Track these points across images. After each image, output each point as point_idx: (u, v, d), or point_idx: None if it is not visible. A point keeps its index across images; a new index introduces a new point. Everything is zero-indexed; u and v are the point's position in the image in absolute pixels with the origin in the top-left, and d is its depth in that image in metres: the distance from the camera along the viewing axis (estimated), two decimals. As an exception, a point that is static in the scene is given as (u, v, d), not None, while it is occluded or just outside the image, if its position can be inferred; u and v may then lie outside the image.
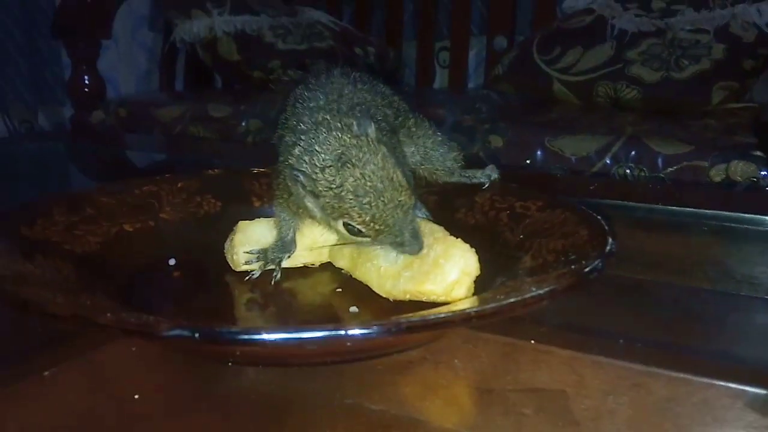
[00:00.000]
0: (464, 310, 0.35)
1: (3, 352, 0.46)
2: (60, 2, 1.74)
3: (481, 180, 0.61)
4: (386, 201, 0.45)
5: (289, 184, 0.49)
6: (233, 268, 0.55)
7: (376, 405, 0.39)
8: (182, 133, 1.47)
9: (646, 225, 0.77)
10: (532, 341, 0.45)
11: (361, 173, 0.45)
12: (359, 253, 0.50)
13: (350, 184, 0.45)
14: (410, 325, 0.34)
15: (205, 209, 0.62)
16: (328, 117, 0.48)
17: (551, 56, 1.42)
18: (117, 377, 0.43)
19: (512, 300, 0.36)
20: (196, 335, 0.33)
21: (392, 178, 0.46)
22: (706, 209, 0.77)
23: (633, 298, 0.56)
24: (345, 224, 0.47)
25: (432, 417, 0.39)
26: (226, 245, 0.55)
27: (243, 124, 1.42)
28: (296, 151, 0.47)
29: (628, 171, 1.14)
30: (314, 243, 0.55)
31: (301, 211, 0.51)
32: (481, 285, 0.46)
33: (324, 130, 0.47)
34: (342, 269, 0.54)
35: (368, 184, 0.45)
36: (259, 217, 0.57)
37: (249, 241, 0.54)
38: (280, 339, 0.33)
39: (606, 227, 0.47)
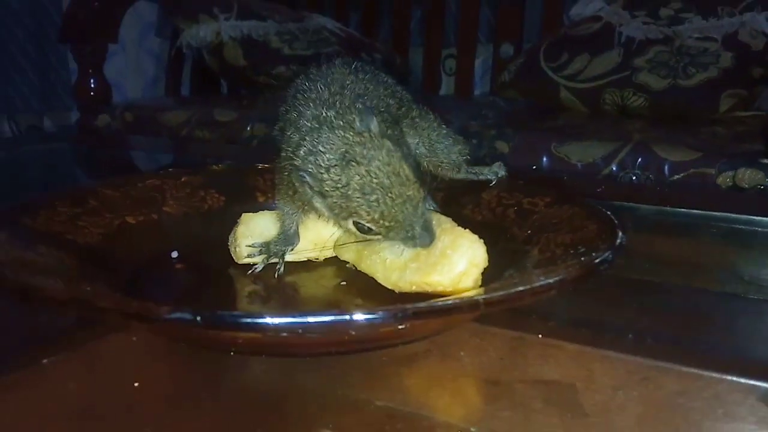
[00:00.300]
0: (472, 297, 0.35)
1: (2, 343, 0.45)
2: (68, 7, 1.75)
3: (489, 177, 0.61)
4: (394, 197, 0.45)
5: (296, 184, 0.48)
6: (236, 260, 0.54)
7: (382, 398, 0.38)
8: (188, 137, 1.47)
9: (652, 227, 0.76)
10: (540, 335, 0.45)
11: (366, 170, 0.45)
12: (365, 245, 0.50)
13: (356, 182, 0.45)
14: (417, 311, 0.33)
15: (208, 204, 0.61)
16: (331, 113, 0.48)
17: (558, 63, 1.42)
18: (117, 368, 0.43)
19: (521, 288, 0.35)
20: (198, 318, 0.32)
21: (399, 173, 0.45)
22: (714, 211, 0.76)
23: (641, 297, 0.55)
24: (355, 223, 0.47)
25: (438, 410, 0.38)
26: (230, 237, 0.55)
27: (248, 128, 1.42)
28: (301, 152, 0.47)
29: (634, 178, 1.13)
30: (319, 237, 0.54)
31: (306, 207, 0.51)
32: (488, 278, 0.46)
33: (327, 128, 0.47)
34: (347, 262, 0.53)
35: (374, 181, 0.45)
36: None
37: (252, 233, 0.54)
38: (283, 323, 0.32)
39: (615, 222, 0.47)
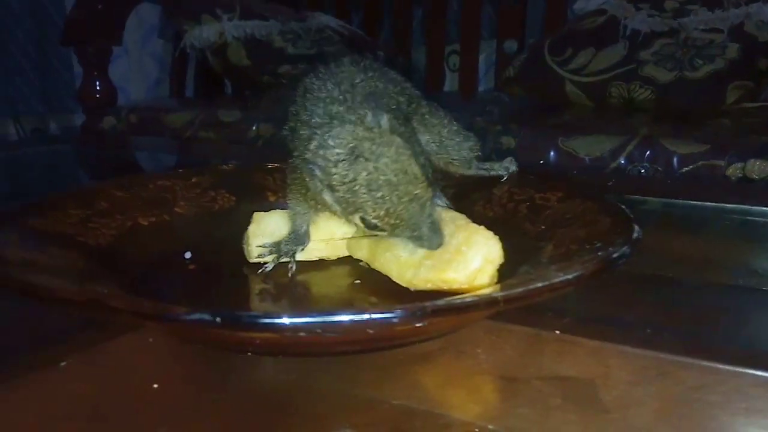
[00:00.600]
0: (491, 294, 0.34)
1: (19, 344, 0.45)
2: (71, 9, 1.75)
3: (499, 172, 0.60)
4: (401, 195, 0.44)
5: (307, 179, 0.48)
6: (247, 258, 0.54)
7: (398, 396, 0.38)
8: (193, 138, 1.47)
9: (662, 220, 0.75)
10: (557, 331, 0.44)
11: (374, 167, 0.44)
12: (378, 243, 0.49)
13: (363, 178, 0.45)
14: (436, 309, 0.33)
15: (219, 204, 0.61)
16: (342, 109, 0.47)
17: (563, 57, 1.41)
18: (130, 369, 0.42)
19: (540, 284, 0.35)
20: (217, 319, 0.32)
21: (407, 171, 0.45)
22: (724, 203, 0.75)
23: (654, 292, 0.55)
24: (361, 218, 0.47)
25: (455, 408, 0.38)
26: (244, 236, 0.55)
27: (253, 128, 1.42)
28: (312, 145, 0.47)
29: (642, 171, 1.12)
30: (330, 237, 0.54)
31: (318, 205, 0.50)
32: (503, 275, 0.45)
33: (337, 123, 0.46)
34: (360, 261, 0.53)
35: (382, 177, 0.44)
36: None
37: (263, 232, 0.54)
38: (302, 323, 0.32)
39: (630, 215, 0.46)
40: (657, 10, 1.40)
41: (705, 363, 0.41)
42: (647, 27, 1.38)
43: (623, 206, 0.48)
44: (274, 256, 0.53)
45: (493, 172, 0.60)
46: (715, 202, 0.76)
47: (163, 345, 0.44)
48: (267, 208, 0.57)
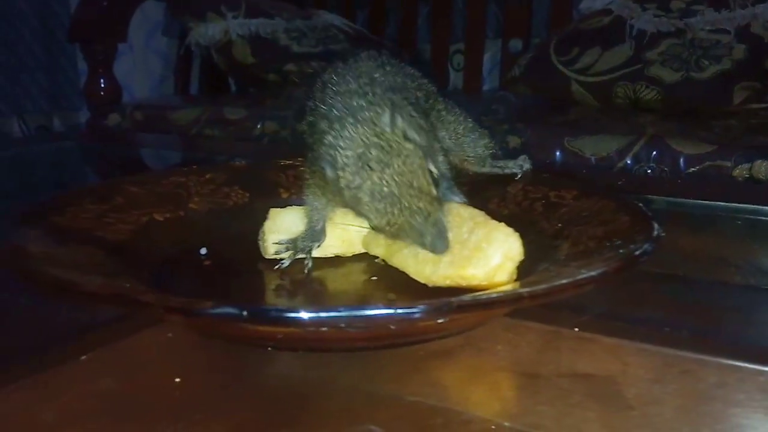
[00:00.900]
0: (516, 290, 0.34)
1: (40, 339, 0.45)
2: (76, 7, 1.75)
3: (513, 170, 0.60)
4: (402, 208, 0.44)
5: (319, 170, 0.48)
6: (263, 255, 0.54)
7: (419, 393, 0.38)
8: (198, 136, 1.47)
9: (671, 219, 0.75)
10: (575, 329, 0.44)
11: (378, 177, 0.44)
12: (395, 240, 0.49)
13: (367, 187, 0.45)
14: (461, 304, 0.33)
15: (233, 200, 0.61)
16: (362, 102, 0.47)
17: (569, 57, 1.41)
18: (152, 363, 0.42)
19: (565, 281, 0.35)
20: (244, 313, 0.32)
21: (412, 184, 0.44)
22: (735, 203, 0.76)
23: (667, 291, 0.55)
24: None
25: (475, 404, 0.38)
26: (260, 232, 0.55)
27: (259, 126, 1.42)
28: (326, 140, 0.47)
29: (649, 171, 1.13)
30: (346, 233, 0.54)
31: (336, 198, 0.50)
32: (522, 272, 0.45)
33: (351, 120, 0.46)
34: (377, 258, 0.53)
35: (385, 189, 0.44)
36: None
37: (279, 228, 0.54)
38: (331, 317, 0.32)
39: (649, 213, 0.46)
40: (663, 10, 1.40)
41: (726, 361, 0.41)
42: (653, 27, 1.38)
43: (641, 204, 0.49)
44: (291, 252, 0.53)
45: (507, 170, 0.60)
46: (725, 202, 0.76)
47: (184, 340, 0.44)
48: (280, 205, 0.57)
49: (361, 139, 0.45)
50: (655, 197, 0.77)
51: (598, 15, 1.45)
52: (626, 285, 0.51)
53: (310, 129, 0.52)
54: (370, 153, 0.45)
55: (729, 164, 1.06)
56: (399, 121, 0.46)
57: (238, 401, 0.38)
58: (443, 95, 0.59)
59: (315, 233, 0.54)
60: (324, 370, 0.40)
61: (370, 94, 0.48)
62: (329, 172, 0.46)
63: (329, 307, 0.32)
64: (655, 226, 0.43)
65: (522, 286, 0.39)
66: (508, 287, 0.39)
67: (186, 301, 0.33)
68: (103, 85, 1.64)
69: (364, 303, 0.47)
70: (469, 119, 0.59)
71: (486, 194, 0.59)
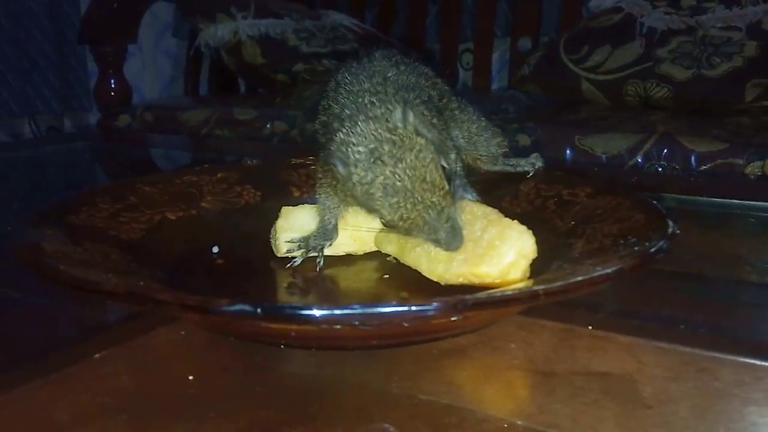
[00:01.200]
0: (531, 287, 0.34)
1: (54, 338, 0.46)
2: (87, 8, 1.76)
3: (526, 168, 0.60)
4: (415, 202, 0.44)
5: (332, 168, 0.48)
6: (275, 253, 0.54)
7: (432, 391, 0.38)
8: (208, 137, 1.47)
9: (684, 217, 0.75)
10: (590, 327, 0.44)
11: (391, 172, 0.44)
12: (407, 237, 0.49)
13: (380, 182, 0.44)
14: (477, 302, 0.32)
15: (245, 199, 0.61)
16: (375, 100, 0.47)
17: (579, 55, 1.40)
18: (166, 361, 0.43)
19: (581, 278, 0.35)
20: (258, 311, 0.32)
21: (425, 178, 0.44)
22: (748, 200, 0.75)
23: (682, 289, 0.55)
24: (379, 216, 0.47)
25: (490, 403, 0.38)
26: (272, 231, 0.55)
27: (268, 126, 1.42)
28: (337, 137, 0.47)
29: (660, 169, 1.12)
30: (358, 232, 0.54)
31: (347, 198, 0.50)
32: (535, 270, 0.45)
33: (363, 117, 0.46)
34: (389, 256, 0.53)
35: (398, 183, 0.44)
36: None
37: (291, 227, 0.54)
38: (344, 314, 0.32)
39: (663, 211, 0.46)
40: (674, 7, 1.40)
41: (743, 359, 0.40)
42: (664, 25, 1.37)
43: (655, 202, 0.48)
44: (303, 250, 0.53)
45: (519, 168, 0.60)
46: (738, 200, 0.76)
47: (197, 338, 0.44)
48: (292, 204, 0.57)
49: (373, 135, 0.45)
50: (667, 195, 0.77)
51: (608, 13, 1.44)
52: (640, 283, 0.51)
53: (322, 128, 0.52)
54: (383, 148, 0.44)
55: (741, 162, 1.06)
56: (411, 117, 0.45)
57: (252, 399, 0.38)
58: (454, 94, 0.59)
59: (327, 232, 0.54)
60: (338, 369, 0.40)
61: (383, 92, 0.47)
62: (341, 169, 0.46)
63: (343, 304, 0.32)
64: (670, 223, 0.43)
65: (537, 283, 0.38)
66: (523, 284, 0.38)
67: (202, 299, 0.33)
68: (113, 86, 1.65)
69: (376, 301, 0.47)
70: (482, 118, 0.59)
71: (498, 192, 0.59)
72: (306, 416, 0.36)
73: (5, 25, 1.92)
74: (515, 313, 0.44)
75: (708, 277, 0.58)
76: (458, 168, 0.52)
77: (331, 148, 0.47)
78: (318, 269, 0.52)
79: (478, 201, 0.51)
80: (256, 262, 0.54)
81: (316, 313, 0.32)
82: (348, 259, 0.55)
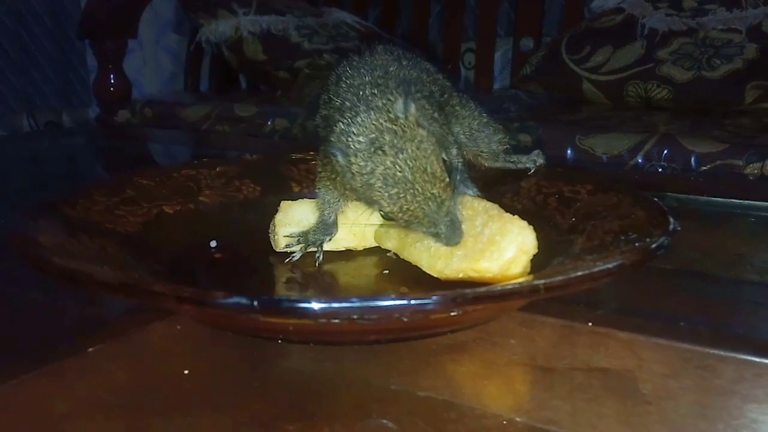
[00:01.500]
0: (532, 282, 0.34)
1: (51, 332, 0.45)
2: (87, 3, 1.76)
3: (527, 165, 0.60)
4: (416, 193, 0.44)
5: (334, 162, 0.48)
6: (275, 248, 0.54)
7: (432, 387, 0.37)
8: (208, 133, 1.47)
9: (683, 216, 0.75)
10: (590, 323, 0.44)
11: (392, 162, 0.44)
12: (407, 233, 0.49)
13: (380, 172, 0.44)
14: (476, 296, 0.32)
15: (244, 193, 0.61)
16: (375, 92, 0.46)
17: (580, 56, 1.40)
18: (162, 356, 0.42)
19: (581, 273, 0.34)
20: (255, 304, 0.32)
21: (426, 169, 0.44)
22: (748, 200, 0.75)
23: (683, 286, 0.55)
24: (378, 208, 0.46)
25: (490, 399, 0.38)
26: (270, 225, 0.54)
27: (269, 122, 1.42)
28: (337, 128, 0.46)
29: (660, 170, 1.12)
30: (358, 227, 0.54)
31: (347, 192, 0.50)
32: (536, 266, 0.45)
33: (363, 108, 0.45)
34: (389, 251, 0.52)
35: (398, 174, 0.44)
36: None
37: (290, 221, 0.54)
38: (343, 308, 0.31)
39: (665, 208, 0.46)
40: (675, 9, 1.40)
41: (743, 356, 0.40)
42: (665, 26, 1.37)
43: (656, 199, 0.48)
44: (302, 245, 0.53)
45: (520, 165, 0.60)
46: (737, 199, 0.76)
47: (194, 332, 0.44)
48: (292, 198, 0.57)
49: (374, 125, 0.45)
50: (668, 194, 0.76)
51: (609, 14, 1.44)
52: (640, 281, 0.51)
53: (323, 122, 0.51)
54: (384, 138, 0.44)
55: (741, 163, 1.06)
56: (412, 108, 0.45)
57: (249, 394, 0.37)
58: (455, 90, 0.59)
59: (326, 226, 0.53)
60: (336, 364, 0.40)
61: (384, 85, 0.47)
62: (341, 159, 0.45)
63: (341, 298, 0.32)
64: (672, 220, 0.43)
65: (537, 278, 0.38)
66: (522, 279, 0.38)
67: (197, 291, 0.33)
68: (112, 82, 1.65)
69: (376, 295, 0.47)
70: (484, 114, 0.58)
71: (500, 189, 0.59)
72: (304, 412, 0.36)
73: (5, 20, 1.92)
74: (515, 309, 0.43)
75: (708, 275, 0.57)
76: (459, 163, 0.51)
77: (332, 139, 0.46)
78: (317, 264, 0.52)
79: (479, 196, 0.51)
80: (254, 256, 0.54)
81: (314, 306, 0.32)
82: (348, 254, 0.55)
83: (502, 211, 0.45)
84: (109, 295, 0.43)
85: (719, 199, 0.77)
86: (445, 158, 0.46)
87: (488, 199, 0.49)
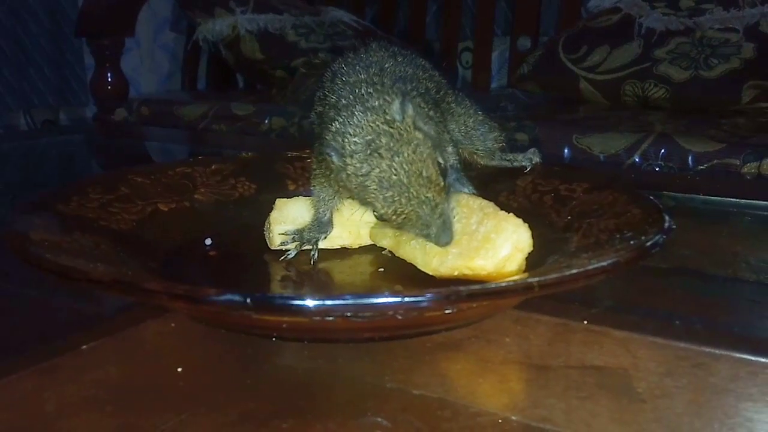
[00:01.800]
0: (526, 279, 0.34)
1: (44, 329, 0.45)
2: (84, 1, 1.75)
3: (523, 163, 0.60)
4: (410, 197, 0.44)
5: (326, 158, 0.47)
6: (269, 246, 0.53)
7: (426, 385, 0.37)
8: (205, 131, 1.47)
9: (678, 215, 0.75)
10: (585, 322, 0.44)
11: (387, 165, 0.44)
12: (402, 231, 0.49)
13: (375, 175, 0.44)
14: (471, 293, 0.32)
15: (239, 191, 0.61)
16: (372, 91, 0.46)
17: (577, 55, 1.40)
18: (156, 353, 0.42)
19: (576, 271, 0.34)
20: (248, 301, 0.31)
21: (421, 173, 0.44)
22: (744, 199, 0.75)
23: (678, 284, 0.55)
24: (372, 209, 0.46)
25: (484, 397, 0.37)
26: (266, 223, 0.54)
27: (266, 121, 1.41)
28: (333, 127, 0.46)
29: (657, 169, 1.12)
30: (353, 225, 0.54)
31: (341, 190, 0.50)
32: (531, 264, 0.45)
33: (360, 108, 0.45)
34: (384, 249, 0.52)
35: (394, 177, 0.44)
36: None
37: (285, 219, 0.53)
38: (337, 305, 0.31)
39: (660, 206, 0.46)
40: (672, 8, 1.40)
41: (738, 354, 0.40)
42: (662, 25, 1.37)
43: (652, 197, 0.48)
44: (297, 243, 0.53)
45: (516, 163, 0.60)
46: (734, 198, 0.76)
47: (187, 330, 0.43)
48: (287, 196, 0.57)
49: (371, 126, 0.44)
50: (664, 193, 0.76)
51: (606, 13, 1.44)
52: (635, 280, 0.51)
53: (318, 119, 0.51)
54: (380, 140, 0.44)
55: (737, 162, 1.06)
56: (410, 110, 0.45)
57: (243, 392, 0.37)
58: (451, 87, 0.59)
59: (321, 224, 0.53)
60: (330, 362, 0.40)
61: (380, 83, 0.47)
62: (336, 159, 0.45)
63: (335, 295, 0.32)
64: (667, 218, 0.43)
65: (532, 276, 0.38)
66: (517, 277, 0.38)
67: (190, 288, 0.32)
68: (109, 80, 1.64)
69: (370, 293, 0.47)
70: (479, 112, 0.58)
71: (495, 187, 0.59)
72: (297, 409, 0.35)
73: (2, 18, 1.92)
74: (510, 307, 0.43)
75: (703, 273, 0.57)
76: (455, 161, 0.51)
77: (327, 137, 0.46)
78: (312, 262, 0.52)
79: (474, 194, 0.51)
80: (249, 254, 0.54)
81: (308, 303, 0.32)
82: (343, 252, 0.55)
83: (497, 208, 0.45)
84: (103, 293, 0.43)
85: (716, 198, 0.77)
86: (441, 161, 0.46)
87: (484, 197, 0.49)
